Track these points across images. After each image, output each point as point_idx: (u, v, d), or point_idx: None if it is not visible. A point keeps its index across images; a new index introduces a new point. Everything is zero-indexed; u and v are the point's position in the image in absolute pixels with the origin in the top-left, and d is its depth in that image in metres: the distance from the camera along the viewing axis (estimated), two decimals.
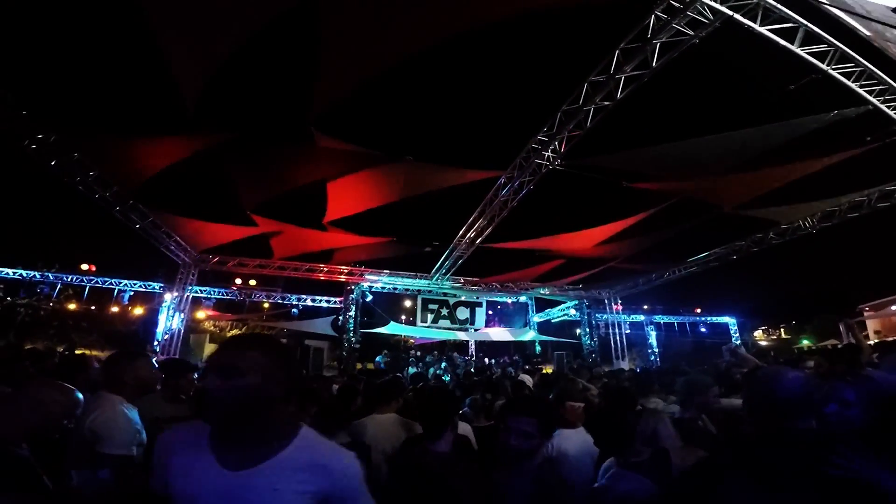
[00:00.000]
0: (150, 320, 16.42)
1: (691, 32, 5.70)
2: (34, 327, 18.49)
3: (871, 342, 16.63)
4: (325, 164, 9.15)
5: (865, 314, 21.50)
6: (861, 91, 6.53)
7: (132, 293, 17.66)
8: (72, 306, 20.78)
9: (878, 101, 6.70)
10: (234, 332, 22.51)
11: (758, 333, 28.72)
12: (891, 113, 6.93)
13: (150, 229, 12.06)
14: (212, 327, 22.07)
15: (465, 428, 3.46)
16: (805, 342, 22.71)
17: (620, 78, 6.59)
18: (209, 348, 18.26)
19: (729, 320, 23.29)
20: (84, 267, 18.45)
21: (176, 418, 2.92)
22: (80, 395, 2.02)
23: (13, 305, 18.38)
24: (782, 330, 29.55)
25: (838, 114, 7.31)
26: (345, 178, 9.58)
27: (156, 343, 13.89)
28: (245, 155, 8.85)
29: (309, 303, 18.25)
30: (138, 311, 21.94)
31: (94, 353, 15.10)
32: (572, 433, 2.82)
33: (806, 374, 1.65)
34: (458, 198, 10.67)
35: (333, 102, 7.64)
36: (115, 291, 17.48)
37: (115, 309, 21.10)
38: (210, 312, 20.07)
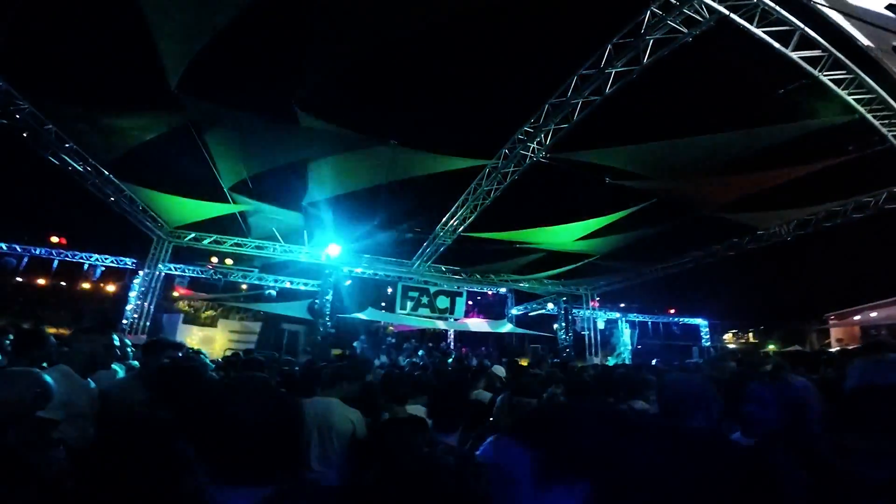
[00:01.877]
0: (122, 298, 15.99)
1: (685, 30, 5.68)
2: None
3: (833, 349, 17.21)
4: (308, 144, 8.99)
5: (830, 323, 22.21)
6: (850, 99, 6.57)
7: (103, 269, 17.07)
8: (41, 281, 20.13)
9: (865, 110, 6.77)
10: (209, 312, 22.10)
11: (728, 336, 29.45)
12: (877, 123, 6.98)
13: (125, 203, 11.72)
14: (186, 307, 21.60)
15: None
16: (771, 347, 23.40)
17: (610, 73, 6.57)
18: (182, 329, 17.85)
19: (701, 322, 23.79)
20: (54, 240, 17.86)
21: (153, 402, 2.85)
22: (49, 381, 2.00)
23: None
24: (751, 334, 30.38)
25: (825, 121, 7.37)
26: (327, 159, 9.41)
27: (125, 322, 13.48)
28: (226, 132, 8.65)
29: (287, 285, 17.98)
30: (110, 288, 21.38)
31: (62, 331, 14.65)
32: None
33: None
34: (442, 185, 10.60)
35: (319, 83, 7.49)
36: (86, 266, 16.90)
37: (85, 285, 20.54)
38: (184, 291, 19.60)
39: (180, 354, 3.88)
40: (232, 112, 8.10)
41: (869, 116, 6.83)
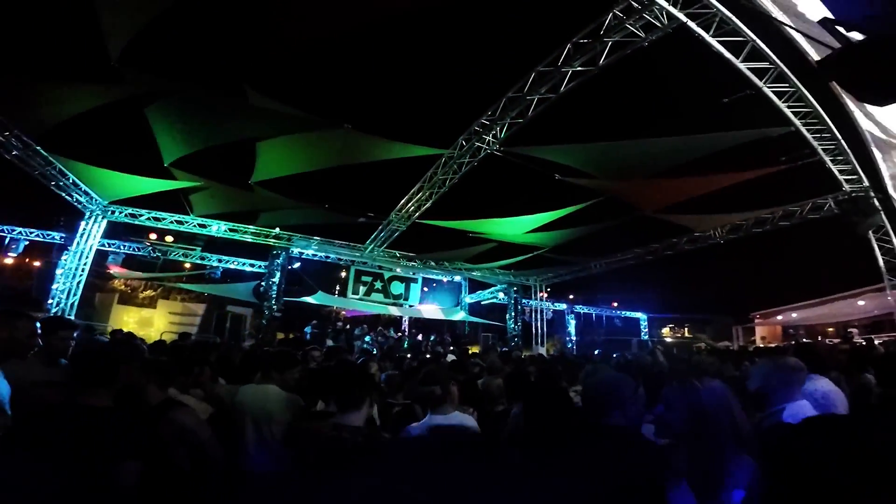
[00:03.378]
0: (47, 275, 14.77)
1: (643, 35, 5.81)
2: None
3: (758, 346, 18.54)
4: (258, 122, 8.63)
5: (756, 321, 23.79)
6: (788, 112, 6.95)
7: (27, 243, 15.60)
8: None
9: (801, 122, 7.18)
10: (148, 292, 20.88)
11: (665, 330, 31.04)
12: (809, 137, 7.43)
13: (54, 175, 10.85)
14: (122, 286, 20.31)
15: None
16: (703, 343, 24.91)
17: (567, 72, 6.66)
18: (117, 310, 16.78)
19: (641, 316, 25.00)
20: None
21: (51, 383, 2.63)
22: None
23: None
24: (686, 329, 32.16)
25: (762, 131, 7.76)
26: (278, 139, 9.08)
27: (50, 301, 12.49)
28: (169, 106, 8.16)
29: (232, 265, 17.26)
30: (35, 263, 19.75)
31: None
32: (441, 419, 2.58)
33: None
34: (398, 171, 10.50)
35: (272, 61, 7.19)
36: (7, 239, 15.40)
37: (6, 261, 18.81)
38: (118, 269, 18.35)
39: (76, 336, 3.51)
40: (176, 86, 7.65)
41: (803, 130, 7.27)
